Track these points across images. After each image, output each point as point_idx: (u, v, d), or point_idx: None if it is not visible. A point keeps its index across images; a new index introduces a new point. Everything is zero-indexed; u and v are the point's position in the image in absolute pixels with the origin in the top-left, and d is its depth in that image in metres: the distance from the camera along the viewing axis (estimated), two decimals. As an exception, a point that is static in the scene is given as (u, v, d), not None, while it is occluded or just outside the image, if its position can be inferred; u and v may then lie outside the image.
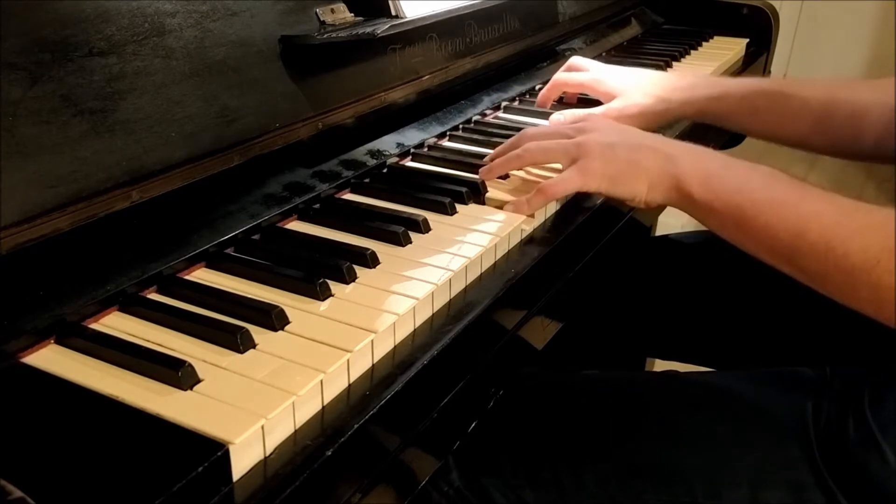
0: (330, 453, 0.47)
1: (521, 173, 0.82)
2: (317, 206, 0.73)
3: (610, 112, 0.95)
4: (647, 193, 0.73)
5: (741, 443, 0.70)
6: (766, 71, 1.45)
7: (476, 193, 0.76)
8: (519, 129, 0.93)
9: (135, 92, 0.60)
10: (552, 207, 0.76)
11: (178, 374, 0.48)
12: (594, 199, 0.79)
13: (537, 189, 0.74)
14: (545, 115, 0.98)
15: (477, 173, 0.79)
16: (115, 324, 0.55)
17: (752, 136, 0.99)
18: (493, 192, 0.77)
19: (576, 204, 0.78)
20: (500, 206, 0.74)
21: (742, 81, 1.00)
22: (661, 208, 1.06)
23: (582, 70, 1.01)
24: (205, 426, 0.45)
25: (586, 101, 1.02)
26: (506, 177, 0.81)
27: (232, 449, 0.44)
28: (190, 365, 0.49)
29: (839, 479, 0.65)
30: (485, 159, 0.82)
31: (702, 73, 1.21)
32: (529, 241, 0.72)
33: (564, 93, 1.04)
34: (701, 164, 0.71)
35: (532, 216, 0.73)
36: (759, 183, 0.68)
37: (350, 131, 0.80)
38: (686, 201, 0.71)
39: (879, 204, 0.62)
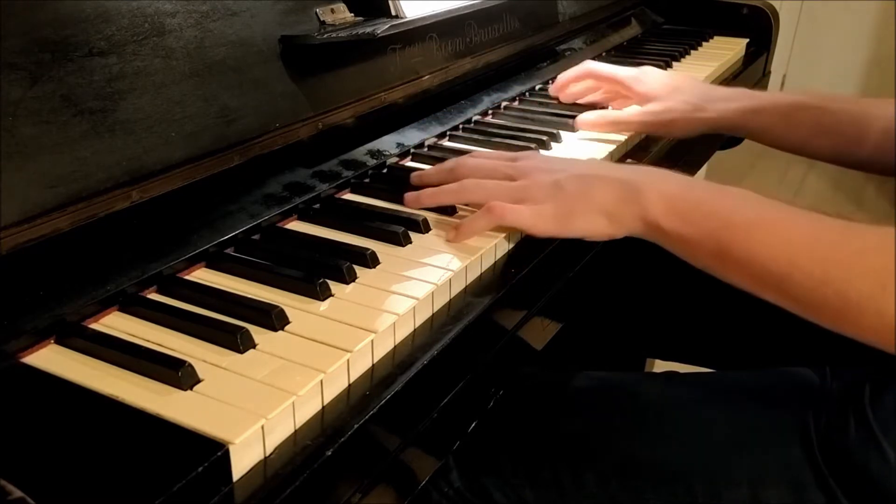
0: (330, 453, 0.47)
1: None
2: (317, 206, 0.73)
3: (646, 116, 0.93)
4: (608, 227, 0.67)
5: (741, 443, 0.70)
6: (765, 71, 1.45)
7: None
8: (518, 129, 0.93)
9: (135, 92, 0.60)
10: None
11: (178, 374, 0.48)
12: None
13: (486, 208, 0.67)
14: (545, 115, 0.98)
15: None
16: (115, 324, 0.55)
17: (783, 150, 0.96)
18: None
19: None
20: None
21: (781, 96, 0.97)
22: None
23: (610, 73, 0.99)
24: (205, 426, 0.45)
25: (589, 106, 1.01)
26: None
27: (232, 449, 0.44)
28: (190, 365, 0.49)
29: (840, 479, 0.65)
30: (412, 176, 0.76)
31: (705, 74, 1.20)
32: (530, 240, 0.72)
33: (570, 92, 1.03)
34: (664, 189, 0.66)
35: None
36: (731, 206, 0.64)
37: (350, 131, 0.80)
38: (655, 232, 0.66)
39: (880, 206, 0.61)
